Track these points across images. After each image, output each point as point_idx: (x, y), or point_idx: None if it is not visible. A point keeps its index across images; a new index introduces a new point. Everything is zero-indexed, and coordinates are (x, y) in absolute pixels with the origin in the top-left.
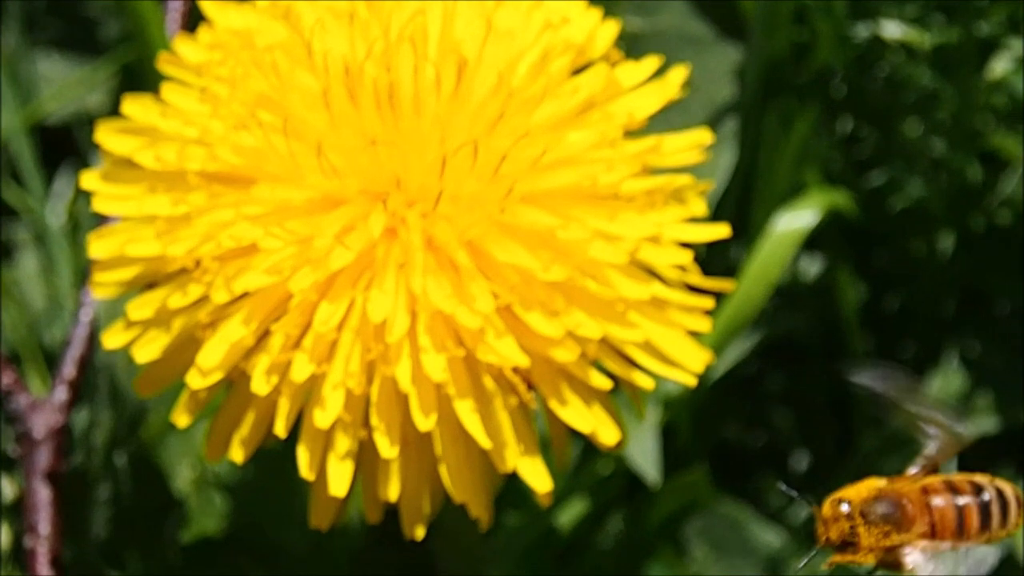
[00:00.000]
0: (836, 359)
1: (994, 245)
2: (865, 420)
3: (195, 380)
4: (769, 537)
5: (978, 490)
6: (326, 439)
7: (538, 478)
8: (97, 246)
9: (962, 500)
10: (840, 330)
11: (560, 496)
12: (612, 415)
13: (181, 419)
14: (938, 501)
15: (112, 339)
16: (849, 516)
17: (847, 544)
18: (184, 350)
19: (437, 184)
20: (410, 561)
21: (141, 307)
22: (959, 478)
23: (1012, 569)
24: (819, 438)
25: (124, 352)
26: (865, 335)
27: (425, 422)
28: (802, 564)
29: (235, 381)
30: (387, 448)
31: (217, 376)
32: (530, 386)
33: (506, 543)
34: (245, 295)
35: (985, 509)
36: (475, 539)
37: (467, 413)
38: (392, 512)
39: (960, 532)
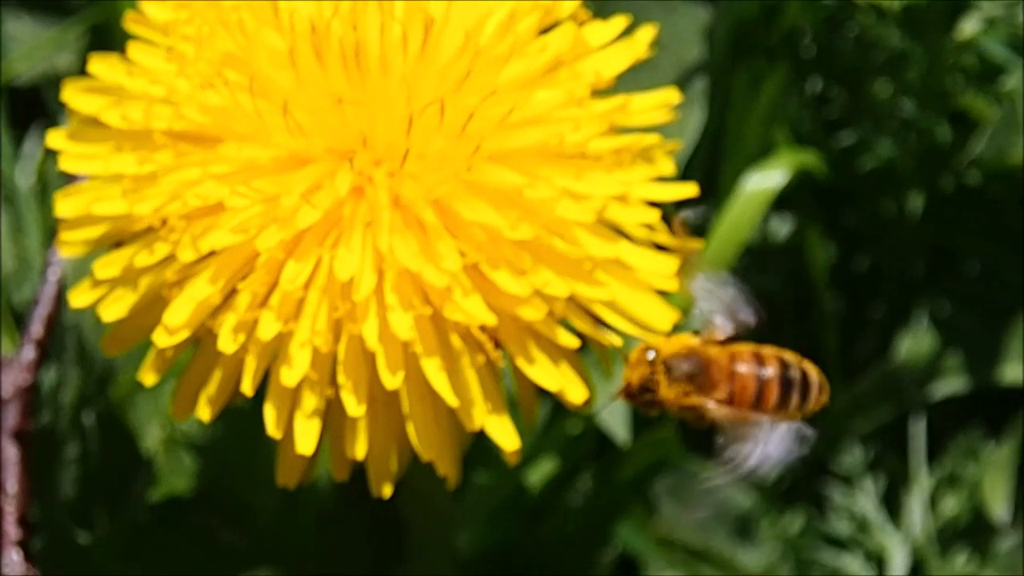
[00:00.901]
0: (806, 319)
1: (964, 205)
2: (835, 379)
3: (162, 338)
4: (739, 495)
5: (785, 367)
6: (293, 397)
7: (506, 436)
8: (64, 205)
9: (766, 372)
10: (810, 290)
11: (529, 455)
12: (580, 374)
13: (148, 377)
14: (742, 368)
15: (79, 298)
16: (652, 364)
17: (647, 391)
18: (151, 309)
19: (404, 143)
20: (379, 520)
21: (108, 266)
22: (769, 351)
23: (982, 523)
24: None
25: (92, 311)
26: (835, 295)
27: (392, 380)
28: (604, 403)
29: (202, 339)
30: (354, 406)
31: (184, 335)
32: (497, 344)
33: (475, 502)
34: (212, 254)
35: (787, 386)
36: (443, 498)
37: (434, 371)
38: (360, 471)
39: (758, 403)
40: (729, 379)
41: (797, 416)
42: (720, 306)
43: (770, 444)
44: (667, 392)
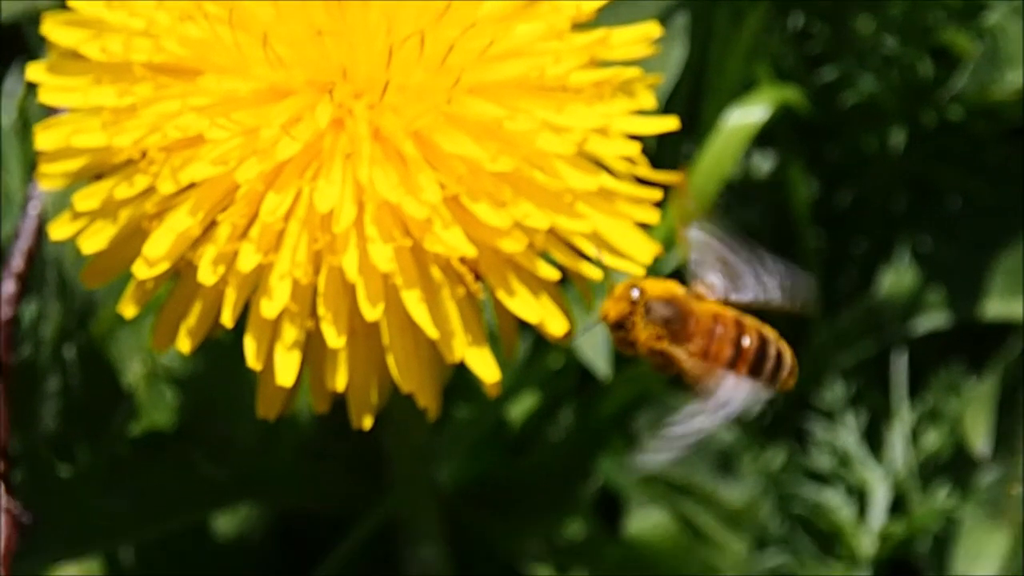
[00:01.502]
0: (788, 254)
1: (946, 140)
2: (817, 314)
3: (142, 270)
4: (721, 430)
5: (763, 341)
6: (273, 329)
7: (486, 368)
8: (43, 137)
9: (745, 341)
10: (792, 225)
11: (511, 390)
12: (560, 306)
13: (128, 309)
14: (721, 331)
15: (59, 230)
16: (633, 303)
17: (622, 327)
18: (131, 241)
19: (384, 75)
20: (359, 453)
21: (87, 198)
22: (751, 322)
23: (963, 457)
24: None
25: (72, 244)
26: (817, 230)
27: (372, 312)
28: (582, 329)
29: (182, 272)
30: (334, 338)
31: (164, 266)
32: (478, 277)
33: (456, 435)
34: (192, 186)
35: (761, 360)
36: (424, 430)
37: (414, 303)
38: (341, 403)
39: (731, 367)
40: (706, 336)
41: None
42: (714, 263)
43: (732, 402)
44: (641, 333)
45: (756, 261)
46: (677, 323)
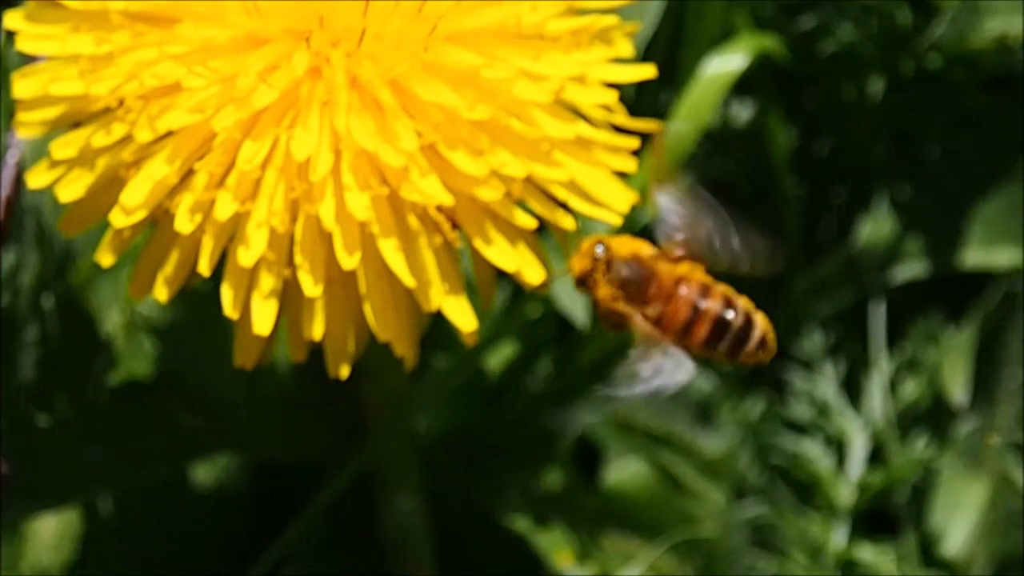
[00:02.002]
0: (767, 202)
1: (924, 89)
2: (796, 263)
3: (119, 219)
4: (699, 380)
5: (728, 306)
6: (250, 278)
7: (463, 317)
8: (21, 85)
9: (704, 304)
10: (771, 174)
11: (489, 339)
12: (537, 255)
13: (105, 258)
14: (683, 292)
15: (36, 178)
16: (596, 260)
17: (583, 284)
18: (108, 189)
19: (361, 23)
20: (338, 402)
21: (65, 146)
22: (720, 288)
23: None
24: (749, 282)
25: (51, 194)
26: (795, 179)
27: (349, 260)
28: (546, 281)
29: (159, 220)
30: (311, 286)
31: (141, 214)
32: (455, 225)
33: (434, 385)
34: (169, 134)
35: (721, 327)
36: (401, 380)
37: (391, 251)
38: (319, 352)
39: (685, 333)
40: (665, 300)
41: (723, 361)
42: (682, 224)
43: (671, 376)
44: (601, 291)
45: (724, 223)
46: (637, 285)
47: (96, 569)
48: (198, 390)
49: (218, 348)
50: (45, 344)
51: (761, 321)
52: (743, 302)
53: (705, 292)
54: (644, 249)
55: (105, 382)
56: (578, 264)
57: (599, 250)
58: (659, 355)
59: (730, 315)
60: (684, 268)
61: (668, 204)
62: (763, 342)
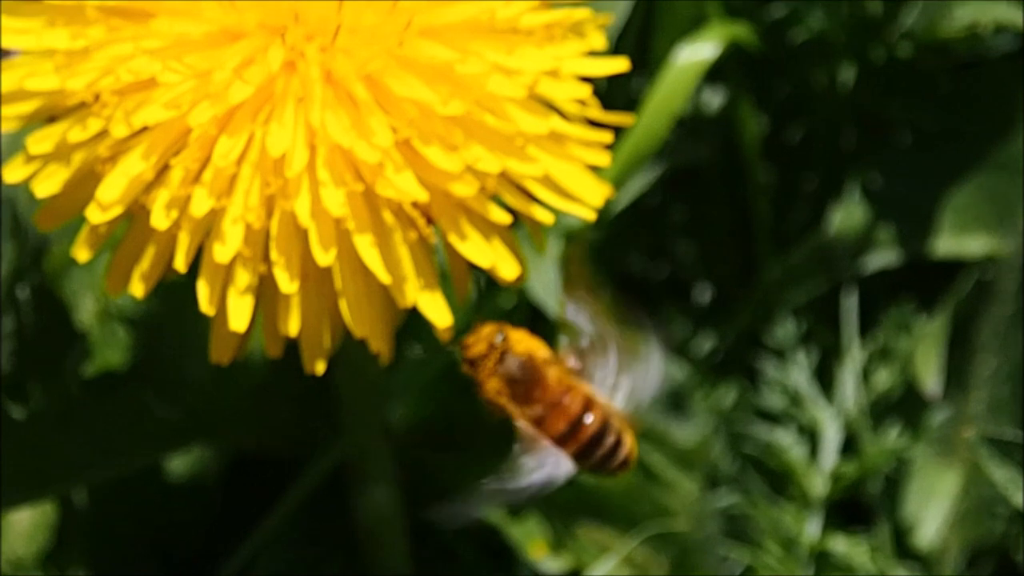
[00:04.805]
0: (739, 190)
1: (895, 77)
2: (768, 251)
3: (95, 214)
4: (672, 369)
5: (605, 426)
6: (226, 274)
7: (438, 312)
8: None
9: (585, 420)
10: (742, 162)
11: (462, 330)
12: (512, 249)
13: (81, 253)
14: (566, 405)
15: (12, 173)
16: (492, 347)
17: (473, 365)
18: (84, 184)
19: (335, 17)
20: (312, 395)
21: (41, 141)
22: (600, 405)
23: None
24: (722, 270)
25: (26, 186)
26: (767, 167)
27: (324, 257)
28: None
29: (135, 215)
30: (287, 283)
31: (117, 210)
32: (429, 221)
33: (408, 376)
34: (144, 129)
35: (594, 443)
36: (376, 373)
37: (366, 247)
38: (294, 347)
39: (561, 442)
40: (549, 406)
41: (584, 469)
42: (588, 338)
43: (555, 469)
44: (487, 379)
45: (619, 352)
46: (524, 385)
47: (70, 559)
48: (173, 381)
49: (192, 339)
50: (20, 335)
51: (629, 441)
52: (617, 422)
53: (586, 408)
54: (540, 351)
55: (80, 372)
56: (474, 346)
57: (498, 339)
58: (542, 450)
59: (604, 436)
60: (571, 379)
61: (577, 315)
62: (626, 461)
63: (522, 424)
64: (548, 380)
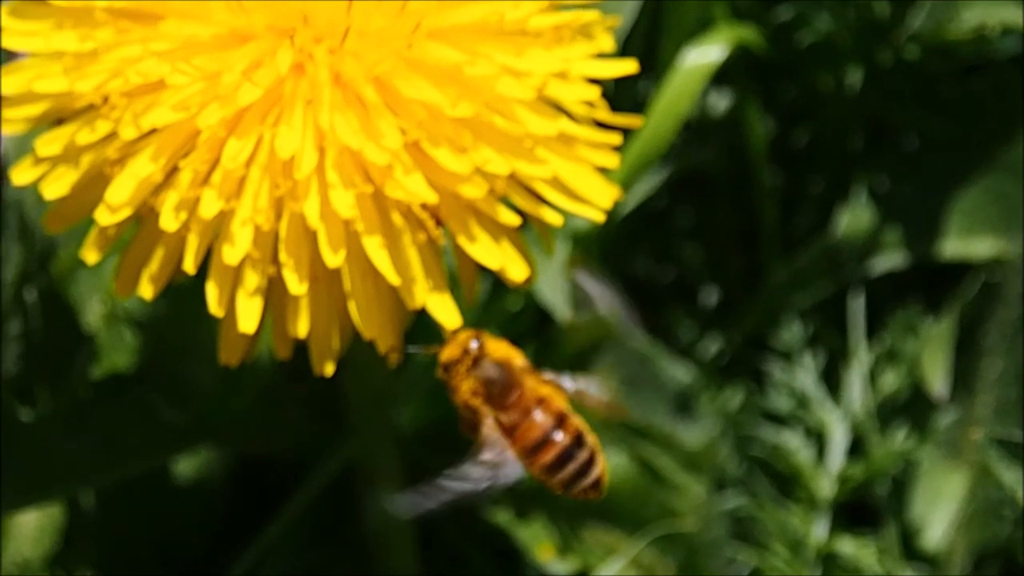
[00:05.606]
0: (745, 193)
1: (902, 79)
2: (774, 254)
3: (104, 216)
4: (678, 372)
5: (577, 443)
6: (235, 275)
7: (447, 314)
8: (5, 82)
9: (557, 436)
10: (749, 165)
11: None
12: (521, 251)
13: (90, 255)
14: (539, 418)
15: (21, 175)
16: (466, 352)
17: (446, 370)
18: (93, 186)
19: (344, 20)
20: (320, 398)
21: (49, 143)
22: (575, 421)
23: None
24: (728, 272)
25: (34, 188)
26: (774, 170)
27: (334, 258)
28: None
29: (144, 218)
30: (296, 284)
31: (125, 212)
32: (439, 222)
33: (416, 379)
34: (153, 131)
35: (565, 458)
36: (384, 375)
37: (376, 249)
38: (303, 349)
39: (529, 454)
40: (522, 414)
41: (555, 487)
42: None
43: (502, 477)
44: (461, 382)
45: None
46: (500, 387)
47: (77, 562)
48: (180, 383)
49: (200, 341)
50: (27, 338)
51: (601, 462)
52: (592, 440)
53: (560, 422)
54: (517, 359)
55: (87, 375)
56: (448, 351)
57: (473, 344)
58: (497, 457)
59: (577, 452)
60: (547, 390)
61: (587, 282)
62: (597, 483)
63: (489, 425)
64: (524, 387)
